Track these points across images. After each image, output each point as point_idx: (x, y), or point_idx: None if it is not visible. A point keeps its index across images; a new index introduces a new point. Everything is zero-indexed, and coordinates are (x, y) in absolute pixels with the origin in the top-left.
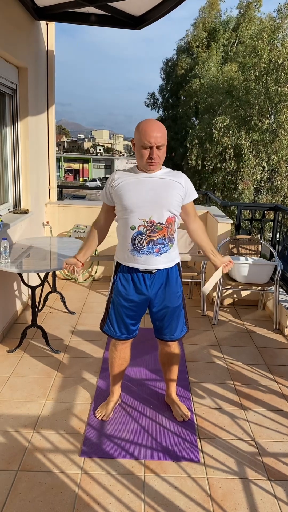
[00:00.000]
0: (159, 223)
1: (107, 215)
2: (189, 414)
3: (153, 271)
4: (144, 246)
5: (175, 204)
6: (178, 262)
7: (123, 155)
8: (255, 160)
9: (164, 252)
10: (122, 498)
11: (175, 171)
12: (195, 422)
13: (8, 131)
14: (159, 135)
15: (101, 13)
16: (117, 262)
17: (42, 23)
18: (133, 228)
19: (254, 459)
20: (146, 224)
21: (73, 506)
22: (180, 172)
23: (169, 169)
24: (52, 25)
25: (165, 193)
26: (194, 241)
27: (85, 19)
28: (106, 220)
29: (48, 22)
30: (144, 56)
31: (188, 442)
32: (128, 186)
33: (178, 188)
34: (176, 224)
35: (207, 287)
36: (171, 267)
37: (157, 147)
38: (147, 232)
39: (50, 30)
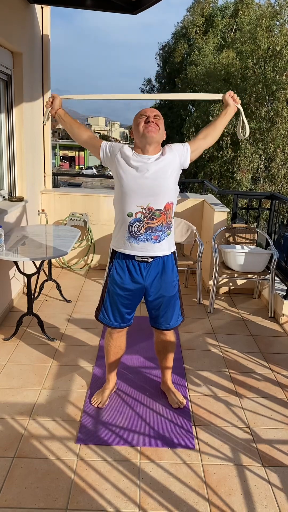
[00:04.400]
0: (157, 209)
1: (92, 141)
2: (184, 401)
3: (149, 260)
4: (141, 233)
5: (172, 186)
6: (174, 251)
7: (120, 142)
8: (252, 149)
9: (162, 240)
10: (117, 484)
11: (165, 146)
12: (190, 409)
13: (2, 117)
14: (155, 111)
15: None
16: (113, 249)
17: (37, 7)
18: (130, 215)
19: (248, 445)
20: (144, 211)
21: (69, 492)
22: (167, 145)
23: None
24: (47, 9)
25: (163, 177)
26: (213, 133)
27: (81, 3)
28: (89, 138)
29: (43, 6)
30: (143, 42)
31: (183, 429)
32: (130, 167)
33: (174, 164)
34: (173, 209)
35: (247, 131)
36: (167, 256)
37: (154, 117)
38: (145, 219)
39: (45, 15)
